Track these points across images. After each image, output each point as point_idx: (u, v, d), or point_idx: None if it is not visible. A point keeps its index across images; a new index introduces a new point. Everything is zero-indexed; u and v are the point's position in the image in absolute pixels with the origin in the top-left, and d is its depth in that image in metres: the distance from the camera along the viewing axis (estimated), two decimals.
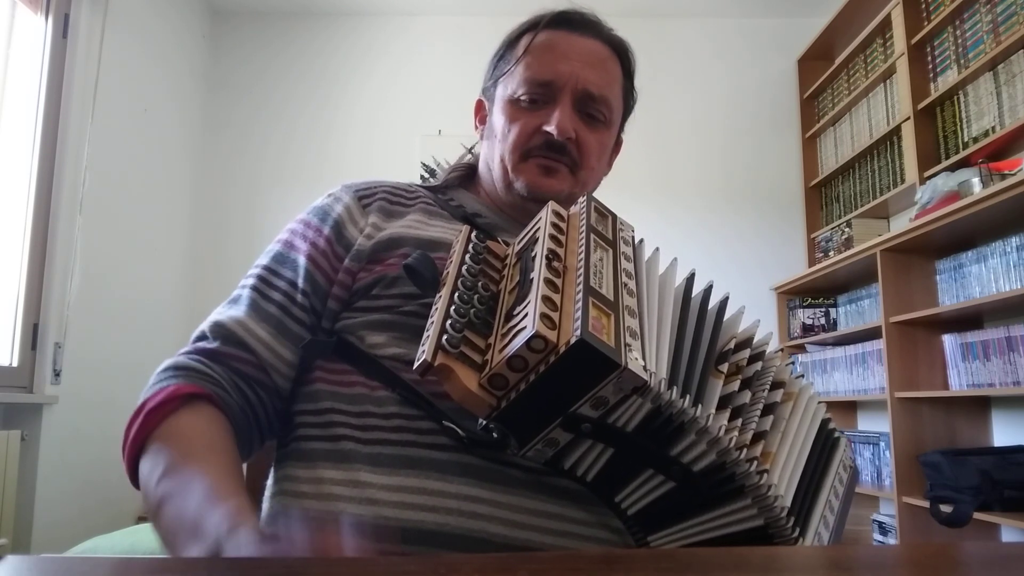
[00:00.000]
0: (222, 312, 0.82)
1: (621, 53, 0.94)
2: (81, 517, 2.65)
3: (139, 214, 3.16)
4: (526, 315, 0.55)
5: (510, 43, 0.94)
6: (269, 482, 0.80)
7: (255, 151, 3.76)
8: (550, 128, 0.86)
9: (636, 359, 0.53)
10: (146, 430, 0.69)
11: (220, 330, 0.79)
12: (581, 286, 0.57)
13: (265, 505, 0.77)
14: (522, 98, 0.89)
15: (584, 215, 0.68)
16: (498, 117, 0.92)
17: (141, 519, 2.93)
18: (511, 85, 0.90)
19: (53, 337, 2.53)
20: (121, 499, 2.89)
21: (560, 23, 0.91)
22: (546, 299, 0.56)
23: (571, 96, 0.87)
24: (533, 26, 0.92)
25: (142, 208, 3.19)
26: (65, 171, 2.60)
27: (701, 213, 3.69)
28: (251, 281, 0.84)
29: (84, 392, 2.67)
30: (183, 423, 0.70)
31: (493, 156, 0.92)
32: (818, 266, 3.20)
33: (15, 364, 2.45)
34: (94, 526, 2.56)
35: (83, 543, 2.06)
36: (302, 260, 0.83)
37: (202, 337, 0.80)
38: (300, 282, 0.82)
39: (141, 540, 2.03)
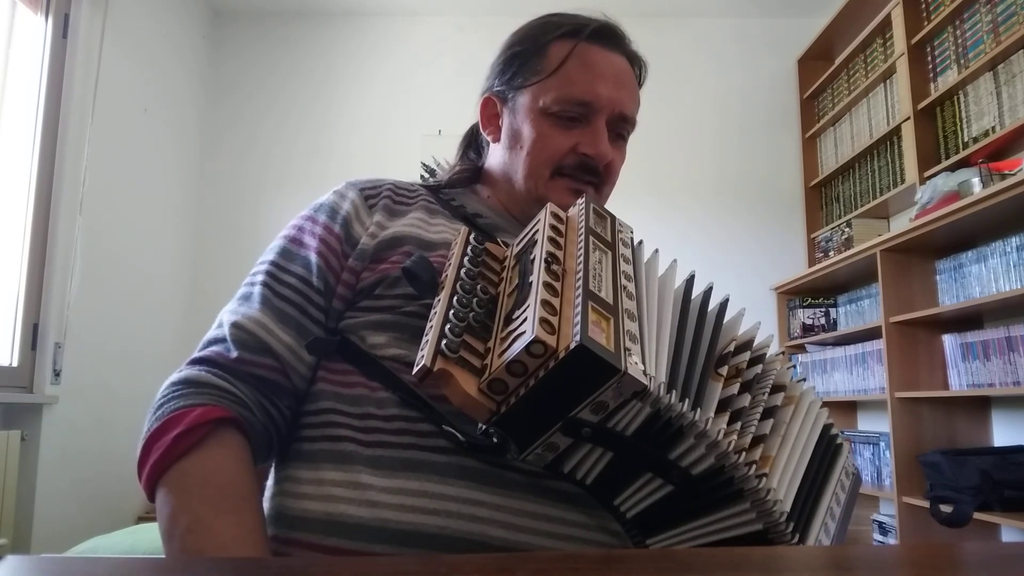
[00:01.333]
0: (236, 311, 0.80)
1: (638, 69, 0.94)
2: (81, 517, 2.65)
3: (139, 214, 3.16)
4: (525, 319, 0.55)
5: (537, 48, 0.90)
6: (269, 483, 0.79)
7: (255, 151, 3.76)
8: (590, 151, 0.86)
9: (636, 363, 0.53)
10: (173, 456, 0.68)
11: (240, 334, 0.77)
12: (580, 290, 0.57)
13: (266, 506, 0.77)
14: (559, 113, 0.87)
15: (583, 217, 0.68)
16: (526, 127, 0.89)
17: (141, 519, 2.93)
18: (544, 97, 0.87)
19: (53, 337, 2.53)
20: (121, 499, 2.89)
21: (595, 37, 0.89)
22: (545, 303, 0.56)
23: (607, 118, 0.87)
24: (568, 35, 0.89)
25: (142, 208, 3.19)
26: (65, 171, 2.60)
27: (700, 213, 3.69)
28: (261, 278, 0.82)
29: (84, 392, 2.67)
30: (211, 464, 0.69)
31: (518, 167, 0.90)
32: (818, 266, 3.20)
33: (15, 364, 2.45)
34: (94, 526, 2.56)
35: (83, 543, 2.06)
36: (313, 257, 0.81)
37: (220, 340, 0.78)
38: (314, 280, 0.80)
39: (141, 540, 2.03)
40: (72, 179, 2.63)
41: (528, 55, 0.91)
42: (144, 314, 3.14)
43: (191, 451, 0.68)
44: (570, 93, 0.86)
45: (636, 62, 0.94)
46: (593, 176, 0.88)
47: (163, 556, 0.67)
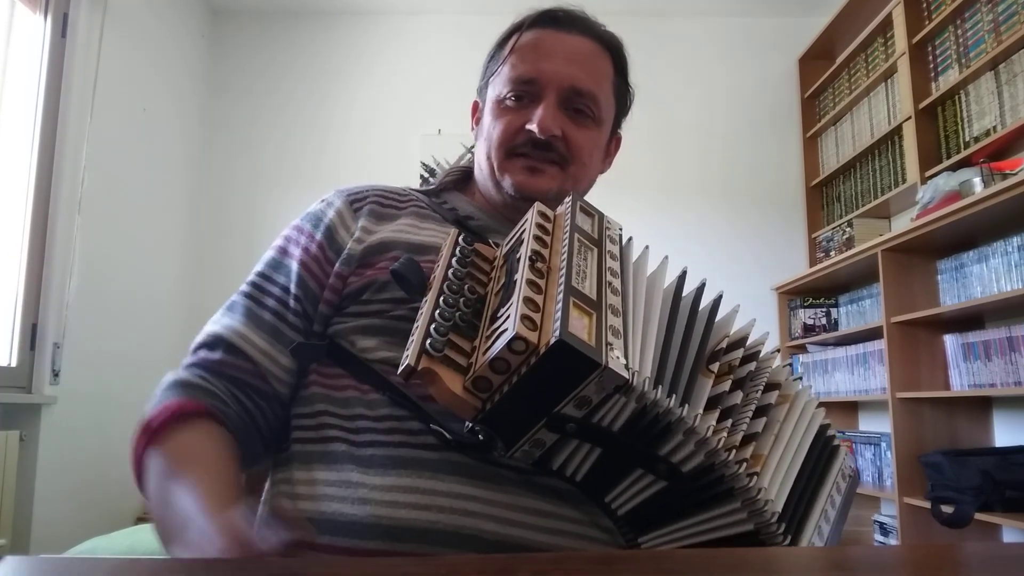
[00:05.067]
0: (218, 321, 0.83)
1: (612, 50, 0.93)
2: (80, 517, 2.65)
3: (138, 214, 3.16)
4: (508, 317, 0.55)
5: (500, 44, 0.94)
6: (267, 485, 0.81)
7: (254, 150, 3.76)
8: (532, 126, 0.85)
9: (617, 358, 0.53)
10: (147, 446, 0.72)
11: (218, 341, 0.80)
12: (563, 286, 0.57)
13: (263, 508, 0.79)
14: (508, 97, 0.89)
15: (569, 215, 0.68)
16: (487, 117, 0.92)
17: (140, 519, 2.93)
18: (498, 86, 0.90)
19: (52, 337, 2.53)
20: (120, 499, 2.89)
21: (546, 21, 0.91)
22: (528, 300, 0.56)
23: (556, 93, 0.87)
24: (519, 26, 0.91)
25: (141, 208, 3.19)
26: (64, 170, 2.60)
27: (702, 213, 3.69)
28: (246, 289, 0.85)
29: (83, 392, 2.67)
30: (180, 439, 0.72)
31: (482, 156, 0.92)
32: (819, 266, 3.20)
33: (14, 364, 2.45)
34: (93, 526, 2.56)
35: (82, 544, 2.06)
36: (295, 266, 0.84)
37: (202, 347, 0.82)
38: (293, 288, 0.82)
39: (140, 540, 2.03)
40: (71, 178, 2.63)
41: (494, 52, 0.94)
42: (143, 314, 3.14)
43: (160, 440, 0.72)
44: (516, 74, 0.88)
45: (608, 44, 0.93)
46: (547, 152, 0.87)
47: (163, 557, 0.67)
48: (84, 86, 2.70)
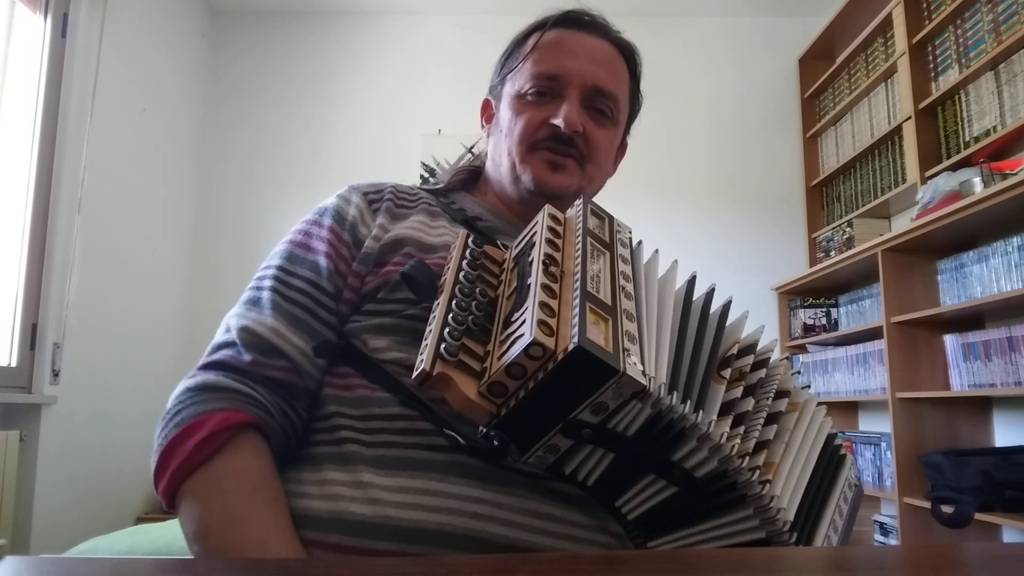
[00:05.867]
0: (245, 315, 0.79)
1: (628, 55, 0.95)
2: (80, 517, 2.65)
3: (138, 214, 3.15)
4: (524, 322, 0.55)
5: (518, 42, 0.95)
6: None
7: (254, 150, 3.75)
8: (557, 121, 0.86)
9: (635, 364, 0.52)
10: (198, 460, 0.67)
11: (251, 338, 0.76)
12: (578, 291, 0.56)
13: None
14: (529, 92, 0.89)
15: (580, 218, 0.68)
16: (505, 112, 0.92)
17: (140, 520, 2.92)
18: (518, 81, 0.91)
19: (52, 337, 2.53)
20: (120, 499, 2.89)
21: (568, 22, 0.92)
22: (543, 305, 0.55)
23: (579, 91, 0.88)
24: (541, 25, 0.93)
25: (141, 208, 3.18)
26: (64, 171, 2.59)
27: (701, 213, 3.69)
28: (269, 283, 0.81)
29: (83, 392, 2.67)
30: (241, 464, 0.69)
31: (500, 151, 0.92)
32: (819, 266, 3.20)
33: (14, 364, 2.45)
34: (93, 526, 2.56)
35: (82, 544, 2.06)
36: (323, 260, 0.81)
37: (229, 344, 0.77)
38: (324, 283, 0.80)
39: (140, 541, 2.03)
40: (71, 178, 2.62)
41: (512, 50, 0.95)
42: (143, 314, 3.13)
43: (216, 455, 0.68)
44: (539, 70, 0.89)
45: (625, 50, 0.95)
46: (569, 147, 0.88)
47: (162, 557, 0.66)
48: (84, 86, 2.69)
